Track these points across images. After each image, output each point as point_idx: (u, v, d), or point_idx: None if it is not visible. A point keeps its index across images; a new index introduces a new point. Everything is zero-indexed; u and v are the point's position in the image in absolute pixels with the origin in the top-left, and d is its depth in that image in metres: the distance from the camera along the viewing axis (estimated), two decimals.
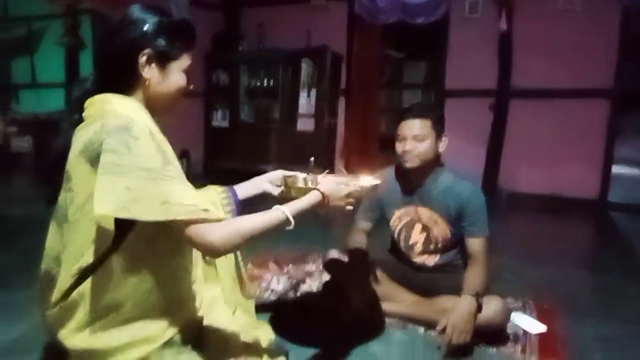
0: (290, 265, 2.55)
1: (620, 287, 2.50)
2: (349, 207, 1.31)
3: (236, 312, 1.40)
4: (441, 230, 1.87)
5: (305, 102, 5.40)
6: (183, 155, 5.28)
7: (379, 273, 1.97)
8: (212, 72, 5.81)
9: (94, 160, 0.99)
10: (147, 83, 1.12)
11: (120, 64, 1.11)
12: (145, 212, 0.96)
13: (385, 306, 1.93)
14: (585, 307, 2.21)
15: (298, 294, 2.19)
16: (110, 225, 1.03)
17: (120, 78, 1.12)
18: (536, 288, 2.40)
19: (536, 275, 2.63)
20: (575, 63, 4.40)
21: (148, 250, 1.08)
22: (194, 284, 1.29)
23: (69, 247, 1.07)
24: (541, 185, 4.64)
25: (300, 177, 1.38)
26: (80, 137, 1.06)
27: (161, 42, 1.12)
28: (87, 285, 1.06)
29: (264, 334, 1.38)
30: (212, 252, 1.07)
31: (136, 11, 1.12)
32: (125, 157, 0.96)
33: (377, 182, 1.43)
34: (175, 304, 1.17)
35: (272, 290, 2.21)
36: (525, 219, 4.24)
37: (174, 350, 1.14)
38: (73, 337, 1.07)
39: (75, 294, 1.06)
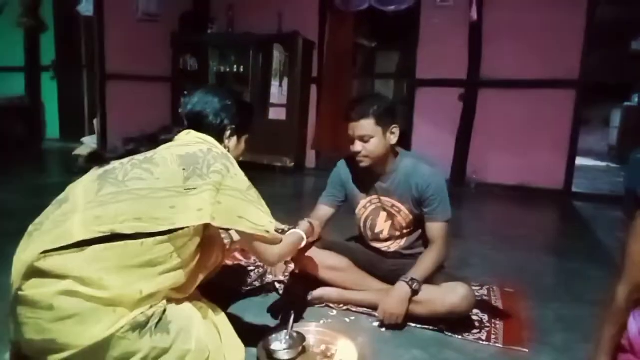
0: None
1: (583, 272, 2.55)
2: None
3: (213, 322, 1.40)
4: (405, 217, 1.87)
5: (277, 90, 5.32)
6: (160, 130, 5.12)
7: (347, 261, 1.94)
8: (180, 56, 5.64)
9: (188, 168, 1.26)
10: (225, 149, 1.47)
11: (211, 132, 1.47)
12: (225, 222, 1.26)
13: (353, 295, 1.91)
14: (548, 291, 2.25)
15: (264, 283, 2.14)
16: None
17: (208, 135, 1.47)
18: (502, 273, 2.43)
19: (502, 261, 2.68)
20: (542, 54, 4.46)
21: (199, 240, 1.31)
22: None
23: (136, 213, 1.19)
24: (508, 175, 4.71)
25: None
26: (183, 148, 1.35)
27: (240, 120, 1.54)
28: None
29: (235, 350, 1.36)
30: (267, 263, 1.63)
31: (227, 95, 1.54)
32: (226, 179, 1.28)
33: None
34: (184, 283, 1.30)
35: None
36: (493, 207, 4.30)
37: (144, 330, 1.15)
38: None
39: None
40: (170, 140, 1.43)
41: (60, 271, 1.08)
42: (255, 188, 1.37)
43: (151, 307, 1.16)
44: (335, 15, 5.26)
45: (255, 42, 5.29)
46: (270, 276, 2.17)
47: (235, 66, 5.52)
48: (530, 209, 4.20)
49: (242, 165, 1.45)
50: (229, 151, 1.49)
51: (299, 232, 1.68)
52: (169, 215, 1.18)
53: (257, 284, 2.14)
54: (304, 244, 1.70)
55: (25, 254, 1.12)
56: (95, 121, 5.07)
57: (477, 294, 2.05)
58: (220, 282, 1.77)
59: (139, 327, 1.13)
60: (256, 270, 2.27)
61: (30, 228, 1.21)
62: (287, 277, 2.13)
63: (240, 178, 1.33)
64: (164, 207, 1.18)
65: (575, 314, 1.98)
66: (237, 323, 1.50)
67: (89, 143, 4.89)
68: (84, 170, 1.33)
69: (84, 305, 1.07)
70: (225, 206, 1.25)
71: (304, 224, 1.77)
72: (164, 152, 1.33)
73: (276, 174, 5.12)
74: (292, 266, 1.94)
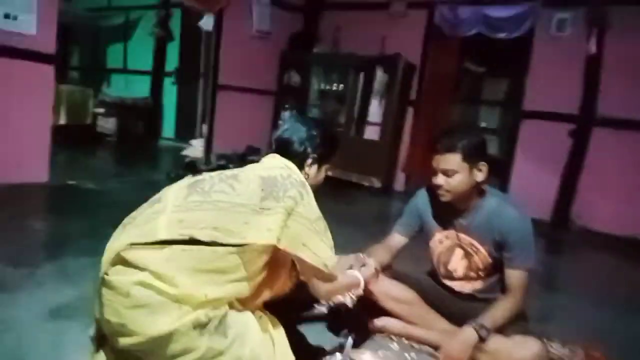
0: None
1: None
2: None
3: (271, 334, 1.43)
4: (483, 258, 1.77)
5: (376, 109, 5.36)
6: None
7: (414, 295, 1.90)
8: (285, 71, 5.94)
9: (267, 189, 1.34)
10: (305, 176, 1.53)
11: (295, 159, 1.55)
12: (288, 245, 1.31)
13: (416, 330, 1.86)
14: None
15: (331, 304, 2.16)
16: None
17: (292, 161, 1.54)
18: (590, 333, 2.20)
19: (593, 320, 2.42)
20: None
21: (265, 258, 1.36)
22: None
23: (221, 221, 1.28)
24: (618, 224, 4.24)
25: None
26: (266, 170, 1.45)
27: (322, 150, 1.59)
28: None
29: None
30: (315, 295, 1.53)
31: (315, 126, 1.60)
32: (298, 206, 1.34)
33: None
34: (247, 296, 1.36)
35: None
36: (594, 257, 3.89)
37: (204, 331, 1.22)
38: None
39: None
40: (257, 161, 1.55)
41: (141, 263, 1.20)
42: (325, 218, 1.40)
43: (214, 309, 1.25)
44: (440, 40, 5.19)
45: (356, 63, 5.39)
46: (339, 297, 2.19)
47: (335, 84, 5.67)
48: (637, 266, 3.74)
49: (330, 179, 1.50)
50: (308, 178, 1.55)
51: (358, 277, 1.68)
52: (241, 229, 1.26)
53: (324, 302, 2.17)
54: (360, 290, 1.71)
55: (116, 242, 1.26)
56: (204, 126, 5.52)
57: (556, 352, 1.90)
58: (292, 293, 1.82)
59: (200, 326, 1.20)
60: None
61: (126, 220, 1.36)
62: (354, 301, 2.14)
63: (311, 208, 1.39)
64: (239, 222, 1.27)
65: None
66: (295, 339, 1.53)
67: (197, 145, 5.32)
68: (179, 176, 1.48)
69: (155, 298, 1.17)
70: (292, 231, 1.31)
71: (370, 269, 1.74)
72: (249, 172, 1.43)
73: (362, 193, 5.14)
74: (360, 290, 1.93)
